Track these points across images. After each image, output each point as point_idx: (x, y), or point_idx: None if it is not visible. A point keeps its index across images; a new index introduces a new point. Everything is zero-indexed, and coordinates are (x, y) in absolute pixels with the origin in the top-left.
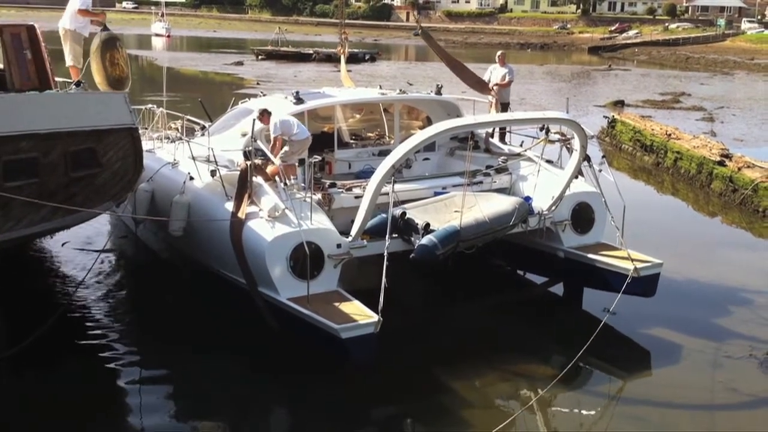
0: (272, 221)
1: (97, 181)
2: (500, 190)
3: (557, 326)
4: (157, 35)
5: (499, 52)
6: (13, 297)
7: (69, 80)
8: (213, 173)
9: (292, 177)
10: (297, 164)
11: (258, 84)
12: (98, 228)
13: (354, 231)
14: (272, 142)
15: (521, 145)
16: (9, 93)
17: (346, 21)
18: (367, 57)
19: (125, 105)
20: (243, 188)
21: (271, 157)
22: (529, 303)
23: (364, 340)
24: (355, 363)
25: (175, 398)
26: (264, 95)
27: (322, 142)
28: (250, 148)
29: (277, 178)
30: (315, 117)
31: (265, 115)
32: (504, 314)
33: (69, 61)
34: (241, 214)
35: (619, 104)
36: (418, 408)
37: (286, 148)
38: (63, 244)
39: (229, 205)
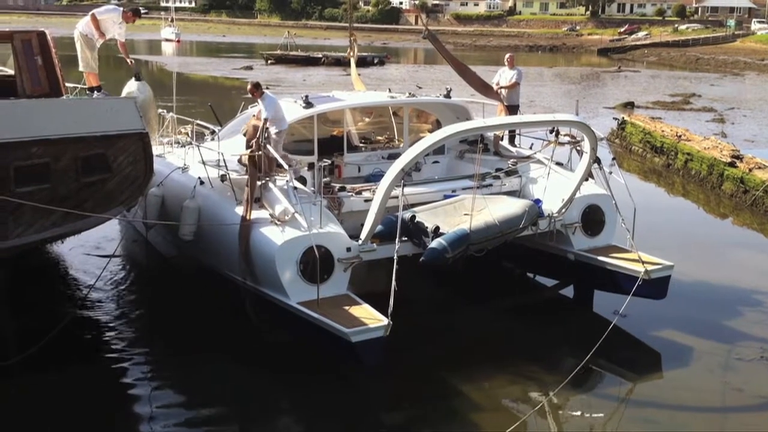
0: (282, 225)
1: (108, 186)
2: (510, 193)
3: (568, 329)
4: (166, 40)
5: (507, 55)
6: (23, 302)
7: (82, 86)
8: (223, 178)
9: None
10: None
11: (267, 88)
12: (109, 233)
13: (364, 234)
14: (262, 123)
15: (531, 148)
16: (20, 99)
17: (355, 24)
18: (376, 60)
19: (135, 110)
20: (251, 192)
21: (277, 156)
22: (539, 306)
23: (374, 343)
24: (364, 366)
25: (184, 402)
26: None
27: (332, 145)
28: (260, 152)
29: (287, 182)
30: (324, 121)
31: (258, 89)
32: (514, 317)
33: (81, 66)
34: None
35: (629, 106)
36: (427, 410)
37: (274, 136)
38: (70, 249)
39: (239, 210)
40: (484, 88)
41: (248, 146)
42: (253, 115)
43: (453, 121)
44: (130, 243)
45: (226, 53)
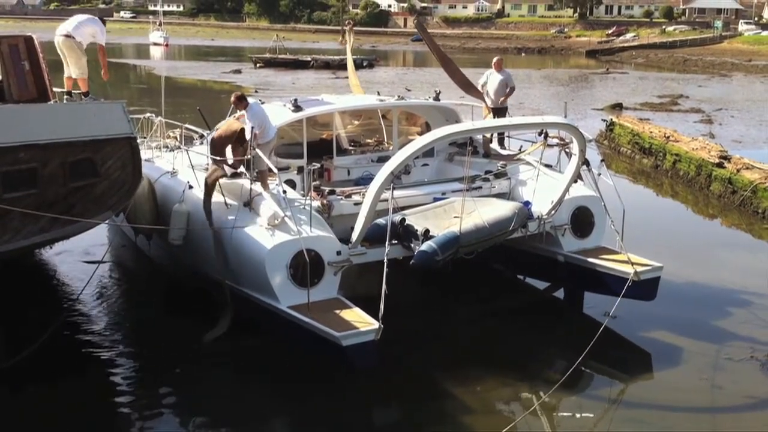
0: (272, 229)
1: (96, 191)
2: (499, 195)
3: (558, 331)
4: (155, 44)
5: (495, 58)
6: (11, 308)
7: (69, 90)
8: None
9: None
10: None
11: (256, 92)
12: (98, 238)
13: (354, 238)
14: (250, 134)
15: (520, 150)
16: (7, 104)
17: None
18: (365, 63)
19: (123, 114)
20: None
21: (270, 164)
22: (529, 308)
23: (365, 347)
24: (356, 370)
25: (175, 409)
26: (262, 103)
27: (321, 149)
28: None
29: (273, 186)
30: (314, 124)
31: (242, 102)
32: (505, 319)
33: (77, 73)
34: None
35: (618, 107)
36: (419, 414)
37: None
38: (58, 255)
39: (229, 214)
40: (466, 85)
41: (232, 148)
42: (236, 117)
43: (442, 123)
44: (118, 248)
45: (214, 57)
